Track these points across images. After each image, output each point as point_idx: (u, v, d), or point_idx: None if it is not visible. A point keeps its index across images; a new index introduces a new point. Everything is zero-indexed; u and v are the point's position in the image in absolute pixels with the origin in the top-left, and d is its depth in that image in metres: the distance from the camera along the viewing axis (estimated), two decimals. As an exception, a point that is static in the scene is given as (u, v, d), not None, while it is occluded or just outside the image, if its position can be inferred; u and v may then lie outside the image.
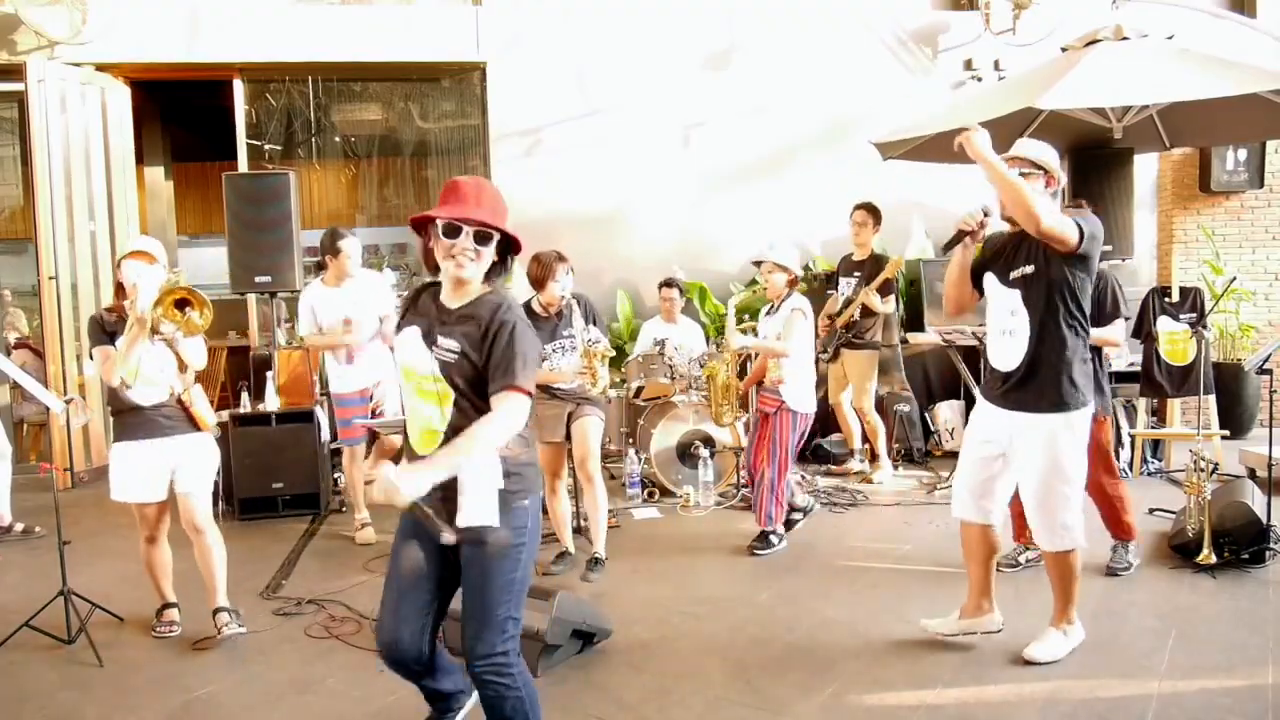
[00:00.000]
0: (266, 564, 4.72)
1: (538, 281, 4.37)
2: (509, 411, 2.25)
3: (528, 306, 4.47)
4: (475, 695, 2.54)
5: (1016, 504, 3.54)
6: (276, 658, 3.60)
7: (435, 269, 2.39)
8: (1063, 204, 6.17)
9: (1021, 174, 3.23)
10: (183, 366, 3.67)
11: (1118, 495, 4.18)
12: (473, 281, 2.35)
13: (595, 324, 4.43)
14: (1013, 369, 3.25)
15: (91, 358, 3.67)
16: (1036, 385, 3.21)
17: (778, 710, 3.06)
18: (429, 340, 2.35)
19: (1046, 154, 3.40)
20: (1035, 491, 3.27)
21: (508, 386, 2.25)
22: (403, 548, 2.46)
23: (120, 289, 3.66)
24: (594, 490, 4.51)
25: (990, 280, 3.38)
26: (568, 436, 4.50)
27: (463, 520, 2.27)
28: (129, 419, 3.65)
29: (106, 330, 3.61)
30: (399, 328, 2.47)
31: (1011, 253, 3.30)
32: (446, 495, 2.26)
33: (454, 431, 2.30)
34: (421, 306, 2.44)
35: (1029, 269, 3.22)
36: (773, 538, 4.71)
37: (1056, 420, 3.20)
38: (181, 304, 3.54)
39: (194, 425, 3.72)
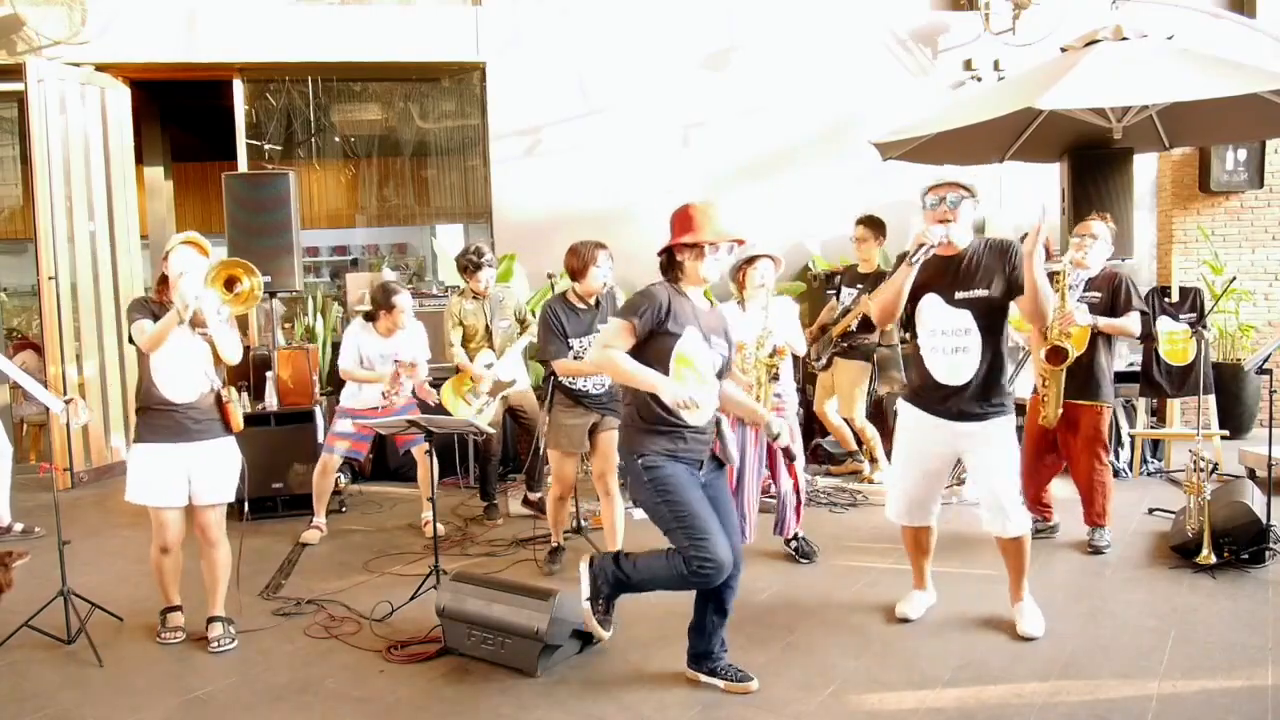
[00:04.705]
0: (266, 564, 4.72)
1: (577, 272, 4.27)
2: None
3: (563, 298, 4.36)
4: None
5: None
6: (276, 658, 3.60)
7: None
8: (1064, 211, 6.24)
9: (954, 199, 3.38)
10: (218, 360, 3.62)
11: (1103, 482, 4.51)
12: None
13: None
14: (964, 383, 3.42)
15: (130, 338, 3.56)
16: (986, 393, 3.43)
17: (778, 710, 3.06)
18: (707, 341, 3.11)
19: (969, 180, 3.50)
20: (1001, 482, 3.50)
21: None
22: (691, 490, 3.07)
23: (164, 281, 3.57)
24: (613, 504, 4.41)
25: (933, 300, 3.46)
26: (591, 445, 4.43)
27: (724, 459, 3.23)
28: (155, 420, 3.57)
29: (152, 313, 3.54)
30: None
31: (953, 275, 3.42)
32: (718, 432, 3.19)
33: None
34: (683, 311, 3.09)
35: (982, 292, 3.37)
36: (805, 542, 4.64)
37: (1007, 421, 3.49)
38: (230, 283, 3.52)
39: (225, 428, 3.67)
